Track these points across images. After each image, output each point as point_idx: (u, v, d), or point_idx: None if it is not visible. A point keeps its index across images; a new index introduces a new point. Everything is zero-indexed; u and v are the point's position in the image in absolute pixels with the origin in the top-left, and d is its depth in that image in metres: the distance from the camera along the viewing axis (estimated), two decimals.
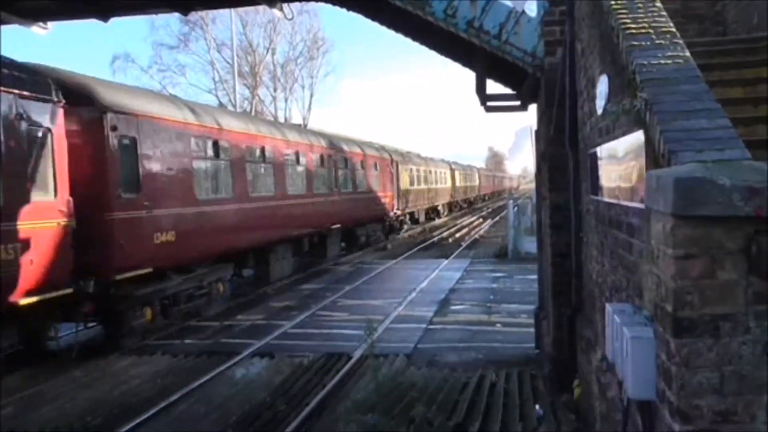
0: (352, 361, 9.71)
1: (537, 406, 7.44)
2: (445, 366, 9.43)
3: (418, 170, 36.84)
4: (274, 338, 11.49)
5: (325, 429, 7.34)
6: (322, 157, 20.71)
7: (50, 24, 12.05)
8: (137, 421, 7.57)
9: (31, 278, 8.90)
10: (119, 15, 11.86)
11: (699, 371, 2.67)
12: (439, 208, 44.84)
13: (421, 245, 27.43)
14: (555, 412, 7.14)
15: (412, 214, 35.91)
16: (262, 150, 16.25)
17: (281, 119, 43.31)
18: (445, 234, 32.90)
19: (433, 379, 8.63)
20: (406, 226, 33.84)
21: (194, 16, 35.89)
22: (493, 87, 10.41)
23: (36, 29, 11.83)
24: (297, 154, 18.63)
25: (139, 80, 41.82)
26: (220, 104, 40.78)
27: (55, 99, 9.57)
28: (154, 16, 31.88)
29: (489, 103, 10.26)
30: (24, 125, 9.01)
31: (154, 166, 11.56)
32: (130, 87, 14.77)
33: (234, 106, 37.10)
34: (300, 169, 18.98)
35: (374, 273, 19.36)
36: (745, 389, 2.66)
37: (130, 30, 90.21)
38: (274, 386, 8.88)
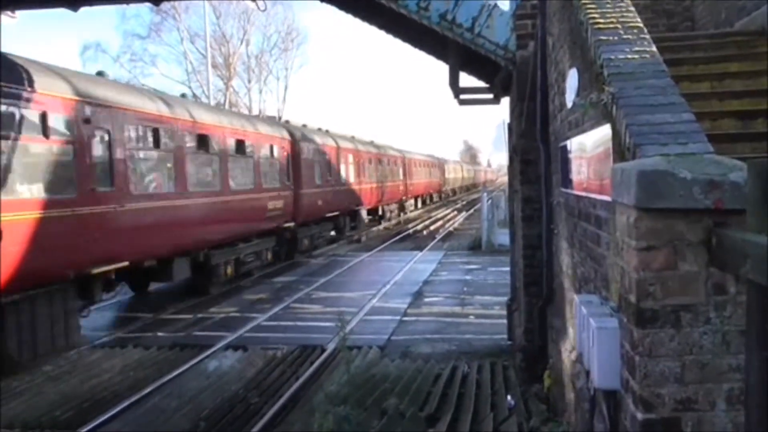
0: (326, 353, 9.72)
1: (508, 397, 7.52)
2: (418, 357, 9.48)
3: (449, 167, 63.60)
4: (248, 331, 11.46)
5: (297, 421, 7.35)
6: (428, 163, 50.70)
7: (18, 12, 11.81)
8: (108, 415, 7.52)
9: None
10: (89, 4, 11.63)
11: (661, 360, 2.73)
12: (457, 188, 72.21)
13: (396, 237, 27.49)
14: (526, 402, 7.22)
15: (447, 191, 62.72)
16: None
17: (255, 111, 43.01)
18: (419, 226, 33.00)
19: (406, 371, 8.68)
20: (447, 196, 62.52)
21: (166, 5, 35.45)
22: (466, 80, 10.48)
23: (3, 18, 11.59)
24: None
25: (110, 70, 41.20)
26: (194, 95, 40.40)
27: None
28: (125, 5, 31.35)
29: (462, 96, 10.30)
30: None
31: None
32: None
33: (208, 97, 36.74)
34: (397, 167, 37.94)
35: (348, 265, 19.36)
36: (706, 378, 2.72)
37: (100, 19, 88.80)
38: (247, 379, 8.87)
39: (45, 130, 9.42)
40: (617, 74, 3.75)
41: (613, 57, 3.91)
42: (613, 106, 3.57)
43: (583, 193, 4.80)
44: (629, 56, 3.92)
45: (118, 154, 11.04)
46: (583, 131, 4.79)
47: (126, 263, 11.10)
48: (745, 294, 2.54)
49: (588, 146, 4.64)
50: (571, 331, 5.19)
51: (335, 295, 14.53)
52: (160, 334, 11.49)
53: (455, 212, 44.29)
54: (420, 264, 19.20)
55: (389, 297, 14.18)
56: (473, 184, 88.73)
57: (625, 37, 4.16)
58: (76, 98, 10.16)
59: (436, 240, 26.10)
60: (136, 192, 11.58)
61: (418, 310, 12.92)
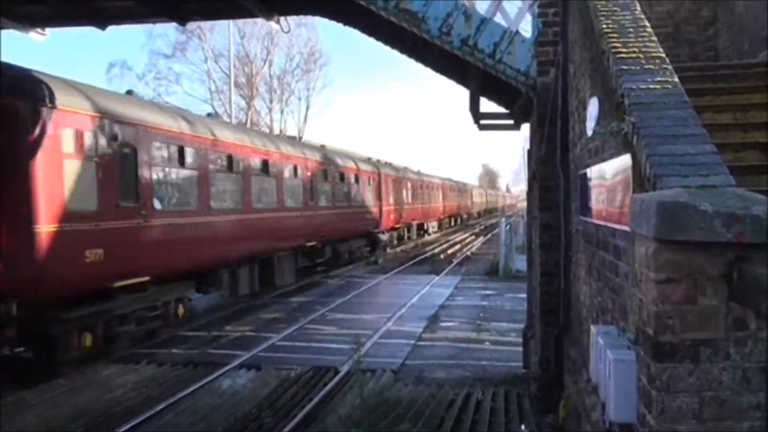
0: (340, 375, 9.67)
1: (522, 426, 7.43)
2: (433, 382, 9.40)
3: (474, 192, 72.72)
4: (262, 350, 11.44)
5: None
6: (459, 188, 60.19)
7: (47, 30, 12.05)
8: (121, 430, 7.52)
9: None
10: (116, 23, 11.88)
11: (679, 396, 2.68)
12: (481, 211, 78.92)
13: (413, 261, 27.43)
14: None
15: (473, 213, 70.37)
16: None
17: (276, 131, 43.35)
18: (436, 250, 32.92)
19: (419, 396, 8.61)
20: (473, 217, 69.81)
21: (192, 26, 36.00)
22: (486, 105, 10.49)
23: (33, 35, 11.83)
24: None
25: (135, 88, 41.75)
26: (216, 114, 40.81)
27: None
28: (151, 25, 31.84)
29: (482, 122, 10.32)
30: None
31: None
32: None
33: (230, 116, 37.09)
34: (438, 191, 46.90)
35: (364, 287, 19.33)
36: (725, 415, 2.67)
37: (127, 38, 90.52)
38: (260, 398, 8.84)
39: (295, 172, 19.09)
40: (638, 104, 3.73)
41: (634, 87, 3.90)
42: (633, 136, 3.55)
43: (602, 222, 4.77)
44: (651, 86, 3.90)
45: (326, 185, 21.75)
46: (603, 160, 4.77)
47: (316, 243, 19.84)
48: (766, 330, 2.50)
49: (608, 175, 4.61)
50: (587, 361, 5.12)
51: (350, 317, 14.49)
52: (174, 351, 11.51)
53: (473, 236, 44.12)
54: (436, 288, 19.13)
55: (404, 320, 14.11)
56: (494, 208, 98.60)
57: (647, 66, 4.15)
58: (320, 160, 21.63)
59: (453, 264, 26.00)
60: (321, 204, 21.01)
61: (433, 334, 12.83)
